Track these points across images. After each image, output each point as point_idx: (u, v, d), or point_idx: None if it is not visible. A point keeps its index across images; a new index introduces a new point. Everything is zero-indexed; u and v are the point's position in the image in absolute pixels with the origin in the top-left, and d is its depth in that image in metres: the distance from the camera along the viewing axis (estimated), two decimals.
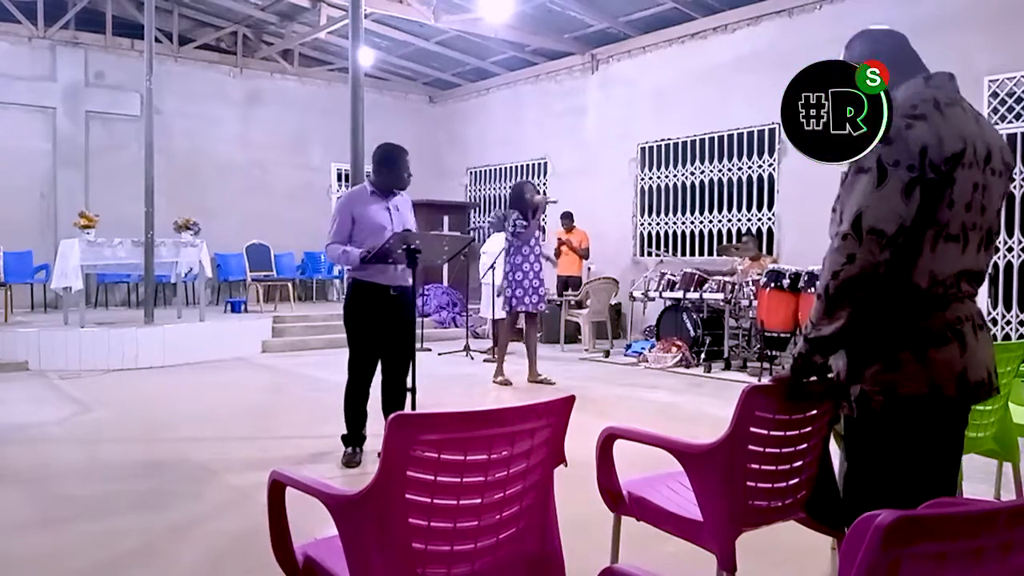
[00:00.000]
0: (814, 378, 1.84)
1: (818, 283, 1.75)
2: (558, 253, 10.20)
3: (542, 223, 7.38)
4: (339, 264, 4.38)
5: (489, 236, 8.96)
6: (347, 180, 11.92)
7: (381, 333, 4.30)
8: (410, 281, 4.21)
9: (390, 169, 4.33)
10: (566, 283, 10.23)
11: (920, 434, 1.73)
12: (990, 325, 7.37)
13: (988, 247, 1.79)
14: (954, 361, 1.71)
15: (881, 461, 1.76)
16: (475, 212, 13.59)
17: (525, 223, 6.85)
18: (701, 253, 10.09)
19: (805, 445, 2.15)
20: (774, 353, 7.52)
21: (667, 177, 10.53)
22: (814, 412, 2.10)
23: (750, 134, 9.50)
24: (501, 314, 7.40)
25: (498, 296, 7.42)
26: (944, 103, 1.70)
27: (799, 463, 2.17)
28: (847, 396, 1.80)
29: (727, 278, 8.17)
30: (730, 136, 9.72)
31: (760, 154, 9.41)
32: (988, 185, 1.73)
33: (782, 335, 7.32)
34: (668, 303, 8.89)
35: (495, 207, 13.23)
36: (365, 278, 4.26)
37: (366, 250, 4.08)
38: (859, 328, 1.71)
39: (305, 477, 1.86)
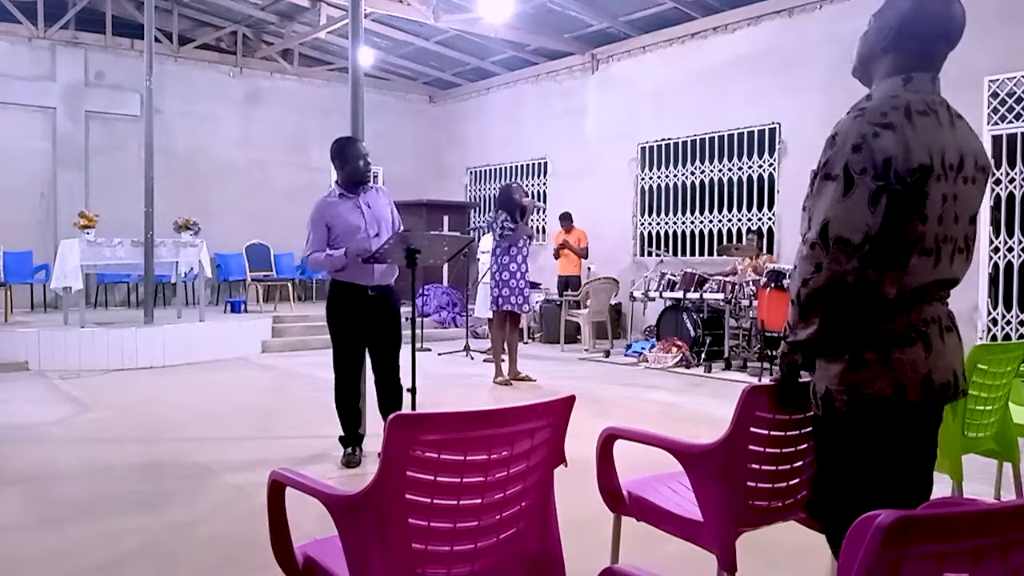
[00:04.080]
0: (807, 378, 1.84)
1: (791, 288, 1.75)
2: (557, 254, 10.25)
3: (540, 224, 7.42)
4: (324, 270, 4.38)
5: (483, 236, 9.01)
6: None
7: (363, 333, 4.31)
8: (391, 280, 4.20)
9: (343, 162, 4.29)
10: (566, 283, 10.26)
11: (885, 436, 1.72)
12: (990, 325, 7.42)
13: (965, 255, 1.77)
14: (919, 363, 1.69)
15: (847, 461, 1.76)
16: (475, 212, 13.59)
17: (513, 225, 6.87)
18: (701, 253, 10.09)
19: (805, 445, 2.15)
20: (774, 353, 7.51)
21: (667, 177, 10.52)
22: (813, 412, 2.10)
23: (750, 134, 9.50)
24: (488, 313, 7.47)
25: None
26: (917, 110, 1.66)
27: (799, 463, 2.17)
28: (814, 394, 1.80)
29: (727, 278, 8.17)
30: (730, 136, 9.72)
31: (760, 154, 9.41)
32: (959, 194, 1.71)
33: (782, 335, 7.31)
34: (668, 303, 8.89)
35: (494, 207, 13.24)
36: (343, 278, 4.25)
37: (356, 251, 4.06)
38: (833, 332, 1.71)
39: (305, 477, 1.86)
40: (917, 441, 1.77)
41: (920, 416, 1.76)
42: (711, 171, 9.98)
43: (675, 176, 10.43)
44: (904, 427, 1.73)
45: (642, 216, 10.88)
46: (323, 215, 4.26)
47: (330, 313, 4.34)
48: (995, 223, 7.43)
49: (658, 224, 10.70)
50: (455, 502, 1.68)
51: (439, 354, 9.04)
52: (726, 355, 8.04)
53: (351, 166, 4.27)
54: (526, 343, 9.91)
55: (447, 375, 7.71)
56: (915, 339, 1.70)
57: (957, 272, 1.76)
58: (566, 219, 10.32)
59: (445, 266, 11.17)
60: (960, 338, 1.81)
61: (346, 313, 4.27)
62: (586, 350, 9.55)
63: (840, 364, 1.72)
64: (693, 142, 10.18)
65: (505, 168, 13.13)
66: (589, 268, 10.60)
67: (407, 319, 4.43)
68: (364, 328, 4.29)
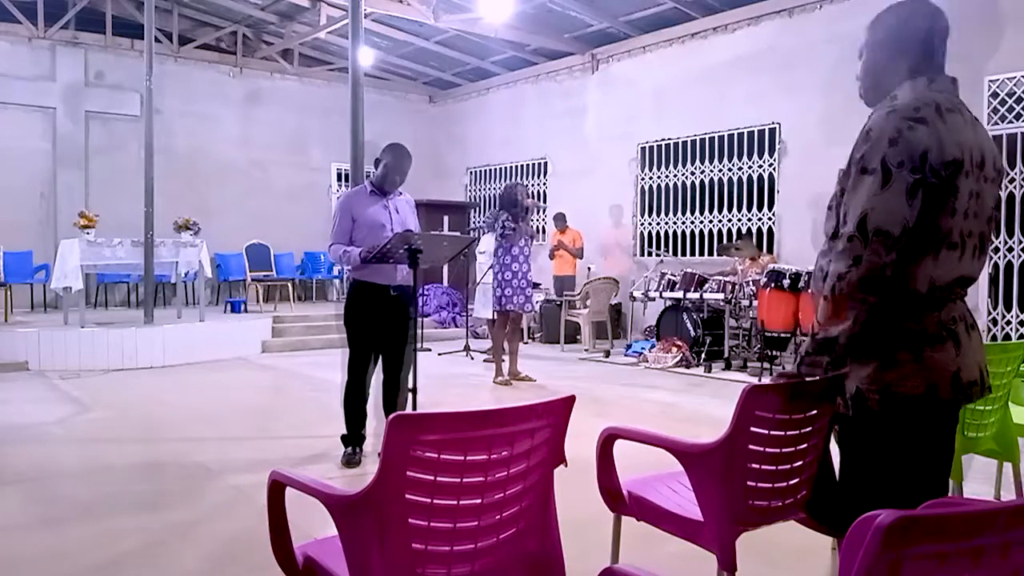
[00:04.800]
0: (818, 377, 1.84)
1: (823, 284, 1.75)
2: (552, 255, 10.25)
3: (540, 224, 7.43)
4: (341, 264, 4.41)
5: (482, 237, 9.01)
6: (347, 180, 11.91)
7: (380, 333, 4.32)
8: (411, 280, 4.21)
9: (383, 167, 4.37)
10: (561, 283, 10.26)
11: (915, 434, 1.74)
12: (990, 325, 7.42)
13: (982, 253, 1.80)
14: (949, 361, 1.72)
15: (876, 460, 1.77)
16: (475, 212, 13.59)
17: (513, 225, 6.88)
18: (701, 253, 10.09)
19: (805, 445, 2.15)
20: (774, 353, 7.52)
21: (667, 177, 10.52)
22: (814, 412, 2.10)
23: (750, 134, 9.49)
24: (489, 313, 7.47)
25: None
26: (946, 108, 1.70)
27: (799, 463, 2.17)
28: (843, 395, 1.80)
29: (727, 278, 8.17)
30: (730, 136, 9.72)
31: (760, 154, 9.40)
32: (982, 192, 1.75)
33: (782, 335, 7.33)
34: (668, 303, 8.89)
35: (495, 207, 13.24)
36: (365, 278, 4.27)
37: (366, 250, 4.09)
38: (866, 329, 1.71)
39: (305, 477, 1.85)
40: (943, 439, 1.80)
41: (947, 413, 1.79)
42: (711, 171, 9.98)
43: (675, 176, 10.42)
44: (933, 425, 1.76)
45: (642, 216, 10.88)
46: (349, 206, 4.31)
47: (349, 312, 4.36)
48: (995, 223, 7.42)
49: (658, 224, 10.70)
50: (455, 502, 1.68)
51: (439, 354, 9.04)
52: (726, 355, 8.04)
53: (387, 176, 4.35)
54: (526, 343, 9.90)
55: (447, 375, 7.71)
56: (946, 337, 1.72)
57: (977, 269, 1.79)
58: (560, 219, 10.34)
59: (445, 266, 11.17)
60: (981, 336, 1.83)
61: (366, 313, 4.30)
62: (586, 350, 9.55)
63: (871, 364, 1.73)
64: (693, 142, 10.17)
65: (505, 168, 13.13)
66: (589, 268, 10.60)
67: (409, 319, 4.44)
68: (382, 328, 4.31)
